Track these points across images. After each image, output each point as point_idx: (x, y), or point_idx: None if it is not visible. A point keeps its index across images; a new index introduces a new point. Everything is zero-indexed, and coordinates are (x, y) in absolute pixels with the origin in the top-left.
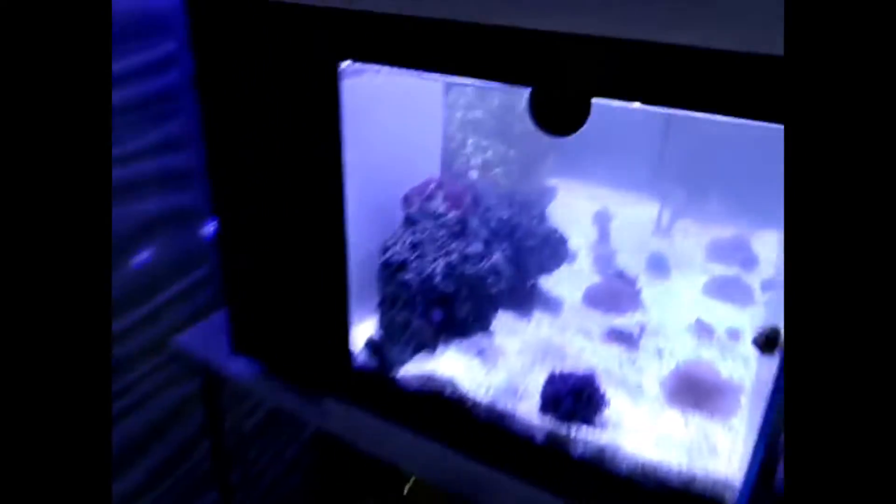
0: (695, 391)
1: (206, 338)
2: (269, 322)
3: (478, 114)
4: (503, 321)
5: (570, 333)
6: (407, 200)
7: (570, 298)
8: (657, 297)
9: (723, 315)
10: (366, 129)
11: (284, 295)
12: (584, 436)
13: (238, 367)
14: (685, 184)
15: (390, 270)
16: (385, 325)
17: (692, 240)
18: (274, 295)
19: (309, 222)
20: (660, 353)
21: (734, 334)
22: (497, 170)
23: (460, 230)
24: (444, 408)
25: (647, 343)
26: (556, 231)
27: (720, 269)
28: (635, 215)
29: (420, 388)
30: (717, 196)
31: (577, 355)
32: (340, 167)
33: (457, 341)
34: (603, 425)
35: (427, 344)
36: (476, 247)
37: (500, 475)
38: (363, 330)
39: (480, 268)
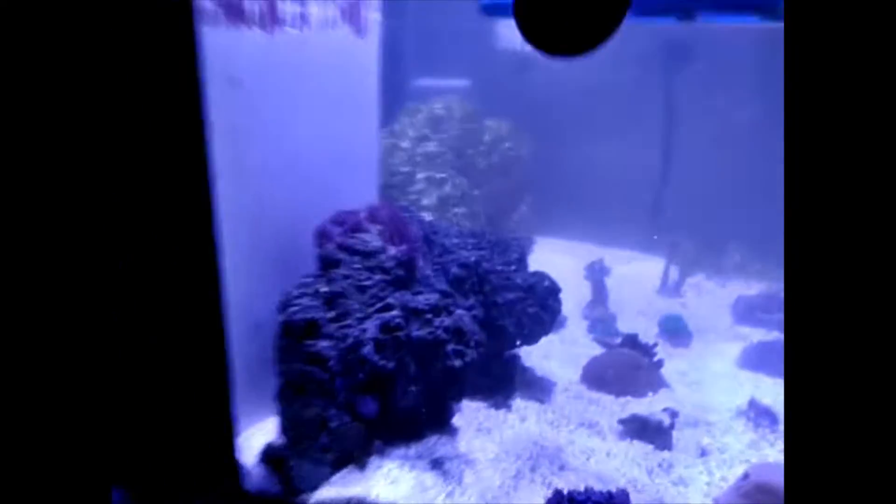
0: None
1: None
2: (127, 432)
3: (430, 146)
4: (470, 413)
5: (569, 428)
6: (323, 235)
7: (563, 376)
8: (682, 370)
9: (778, 393)
10: (254, 125)
11: (140, 388)
12: None
13: None
14: (694, 234)
15: (294, 337)
16: (289, 424)
17: (710, 298)
18: (128, 390)
19: (166, 266)
20: (704, 451)
21: None
22: (457, 210)
23: (405, 276)
24: None
25: (683, 438)
26: (544, 279)
27: (757, 334)
28: (632, 273)
29: None
30: (737, 244)
31: (585, 461)
32: (207, 172)
33: (401, 447)
34: None
35: (354, 453)
36: (429, 298)
37: None
38: (259, 433)
39: (436, 330)
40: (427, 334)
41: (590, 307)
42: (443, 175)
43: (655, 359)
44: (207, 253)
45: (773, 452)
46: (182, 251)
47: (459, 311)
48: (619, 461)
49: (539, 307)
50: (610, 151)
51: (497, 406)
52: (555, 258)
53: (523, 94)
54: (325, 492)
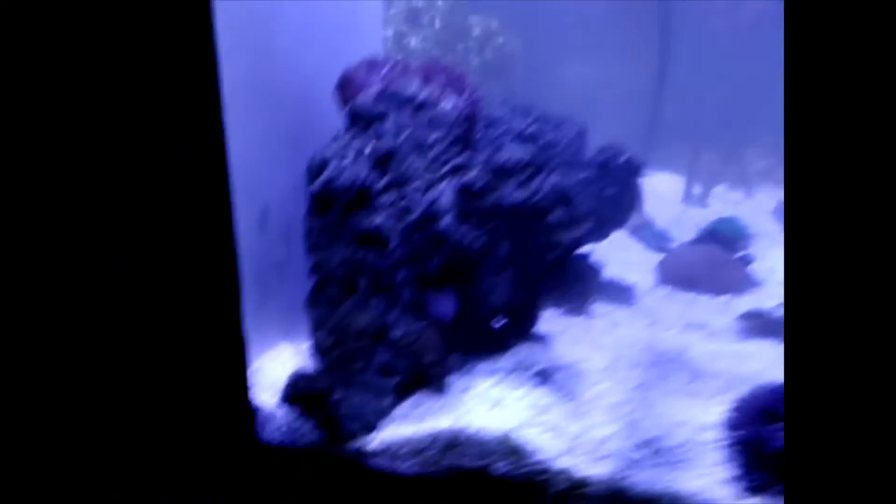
0: None
1: None
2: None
3: (412, 42)
4: (545, 321)
5: (674, 331)
6: (352, 84)
7: (635, 280)
8: (766, 269)
9: None
10: None
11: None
12: None
13: None
14: (711, 143)
15: (335, 211)
16: (330, 340)
17: (741, 208)
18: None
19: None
20: None
21: None
22: None
23: (466, 135)
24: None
25: None
26: (618, 154)
27: None
28: (646, 187)
29: (427, 470)
30: (758, 150)
31: (715, 365)
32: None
33: (485, 360)
34: None
35: (427, 372)
36: (516, 152)
37: None
38: (272, 363)
39: (535, 194)
40: (525, 199)
41: None
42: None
43: (745, 250)
44: (208, 111)
45: None
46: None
47: (552, 177)
48: (757, 363)
49: (620, 189)
50: (604, 59)
51: (575, 312)
52: None
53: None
54: (392, 431)
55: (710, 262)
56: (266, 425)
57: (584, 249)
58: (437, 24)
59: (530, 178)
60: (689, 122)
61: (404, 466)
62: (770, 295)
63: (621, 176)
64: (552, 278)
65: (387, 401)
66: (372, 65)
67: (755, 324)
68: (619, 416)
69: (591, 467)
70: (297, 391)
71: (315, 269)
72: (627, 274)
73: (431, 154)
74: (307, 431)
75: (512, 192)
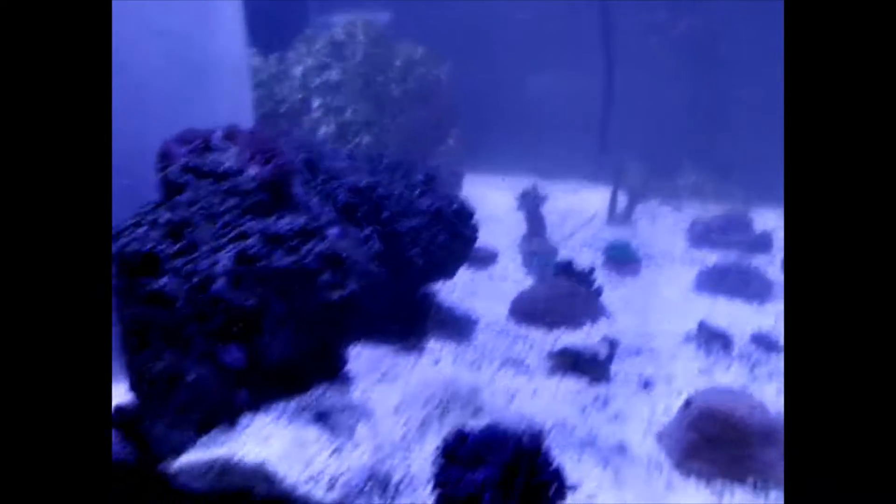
0: (725, 442)
1: None
2: None
3: (332, 74)
4: (372, 360)
5: (491, 368)
6: (166, 156)
7: (488, 314)
8: (628, 298)
9: (738, 315)
10: None
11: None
12: None
13: None
14: (644, 156)
15: (129, 274)
16: (139, 380)
17: (664, 224)
18: None
19: None
20: (648, 384)
21: (764, 341)
22: (360, 139)
23: (270, 201)
24: None
25: (622, 369)
26: (452, 202)
27: (714, 257)
28: (578, 204)
29: (211, 488)
30: (692, 165)
31: (507, 402)
32: None
33: (279, 401)
34: None
35: (222, 410)
36: (293, 222)
37: None
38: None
39: (303, 258)
40: (291, 263)
41: (525, 240)
42: (340, 103)
43: (594, 285)
44: None
45: (728, 379)
46: None
47: (334, 234)
48: (546, 400)
49: (449, 234)
50: (546, 77)
51: (407, 350)
52: (490, 194)
53: (449, 20)
54: (189, 457)
55: (555, 295)
56: None
57: (435, 288)
58: (360, 56)
59: (305, 240)
60: (622, 134)
61: (195, 483)
62: (605, 329)
63: (453, 222)
64: (347, 321)
65: (188, 433)
66: (185, 139)
67: (565, 361)
68: (380, 453)
69: (325, 495)
70: (118, 419)
71: (120, 321)
72: (489, 307)
73: (222, 222)
74: (128, 452)
75: (282, 258)
